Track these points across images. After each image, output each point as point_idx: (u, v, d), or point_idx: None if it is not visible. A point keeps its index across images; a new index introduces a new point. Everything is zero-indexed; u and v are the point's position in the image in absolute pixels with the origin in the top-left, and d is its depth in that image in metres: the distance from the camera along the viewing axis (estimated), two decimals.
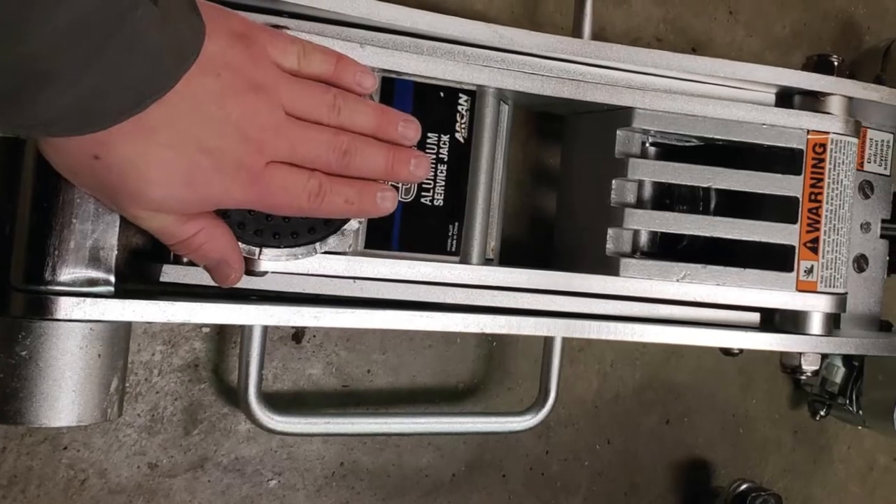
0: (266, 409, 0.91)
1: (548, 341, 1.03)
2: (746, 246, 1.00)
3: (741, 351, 1.07)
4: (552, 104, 1.02)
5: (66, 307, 0.74)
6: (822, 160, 1.01)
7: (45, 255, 0.74)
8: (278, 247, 0.78)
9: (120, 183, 0.64)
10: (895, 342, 1.09)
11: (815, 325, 1.02)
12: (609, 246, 0.98)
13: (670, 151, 1.04)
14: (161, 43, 0.59)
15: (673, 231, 0.98)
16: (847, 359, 1.25)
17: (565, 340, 1.04)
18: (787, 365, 1.10)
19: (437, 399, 1.10)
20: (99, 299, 0.75)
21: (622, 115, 0.97)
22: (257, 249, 0.77)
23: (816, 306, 1.01)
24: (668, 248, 1.06)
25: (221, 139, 0.66)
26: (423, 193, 0.91)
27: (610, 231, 0.98)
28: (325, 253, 0.82)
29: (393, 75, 0.88)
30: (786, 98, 1.04)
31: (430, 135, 0.91)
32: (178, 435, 0.97)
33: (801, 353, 1.06)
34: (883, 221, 1.16)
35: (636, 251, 1.02)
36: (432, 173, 0.91)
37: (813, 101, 1.03)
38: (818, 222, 1.01)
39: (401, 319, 0.88)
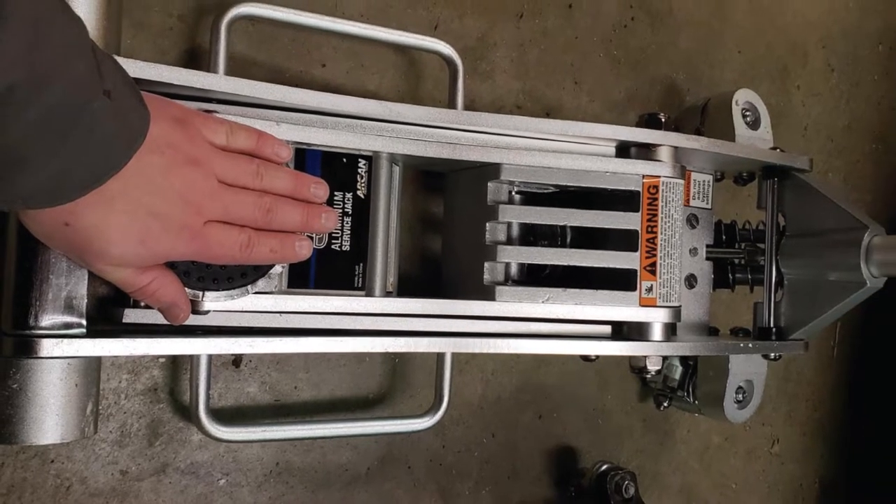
0: (214, 422, 0.92)
1: (440, 356, 1.06)
2: (597, 271, 1.02)
3: (597, 357, 1.10)
4: (434, 164, 1.04)
5: (48, 347, 0.75)
6: (656, 199, 1.04)
7: (29, 305, 0.75)
8: (217, 290, 0.80)
9: (86, 244, 0.66)
10: (721, 344, 1.14)
11: (656, 333, 1.05)
12: (486, 276, 1.00)
13: (532, 197, 1.05)
14: (114, 129, 0.61)
15: (537, 262, 1.00)
16: (684, 359, 1.28)
17: (454, 355, 1.07)
18: (635, 366, 1.15)
19: (352, 407, 1.12)
20: (74, 339, 0.76)
21: (492, 170, 0.99)
22: (200, 293, 0.79)
23: (656, 318, 1.04)
24: (534, 276, 1.07)
25: (167, 205, 0.68)
26: (333, 241, 0.93)
27: (486, 264, 1.00)
28: (256, 293, 0.83)
29: (304, 146, 0.90)
30: (624, 150, 1.06)
31: (336, 193, 0.93)
32: (144, 446, 0.99)
33: (645, 357, 1.10)
34: (707, 246, 1.20)
35: (508, 280, 1.04)
36: (340, 224, 0.93)
37: (646, 151, 1.05)
38: (655, 249, 1.03)
39: (320, 344, 0.89)
